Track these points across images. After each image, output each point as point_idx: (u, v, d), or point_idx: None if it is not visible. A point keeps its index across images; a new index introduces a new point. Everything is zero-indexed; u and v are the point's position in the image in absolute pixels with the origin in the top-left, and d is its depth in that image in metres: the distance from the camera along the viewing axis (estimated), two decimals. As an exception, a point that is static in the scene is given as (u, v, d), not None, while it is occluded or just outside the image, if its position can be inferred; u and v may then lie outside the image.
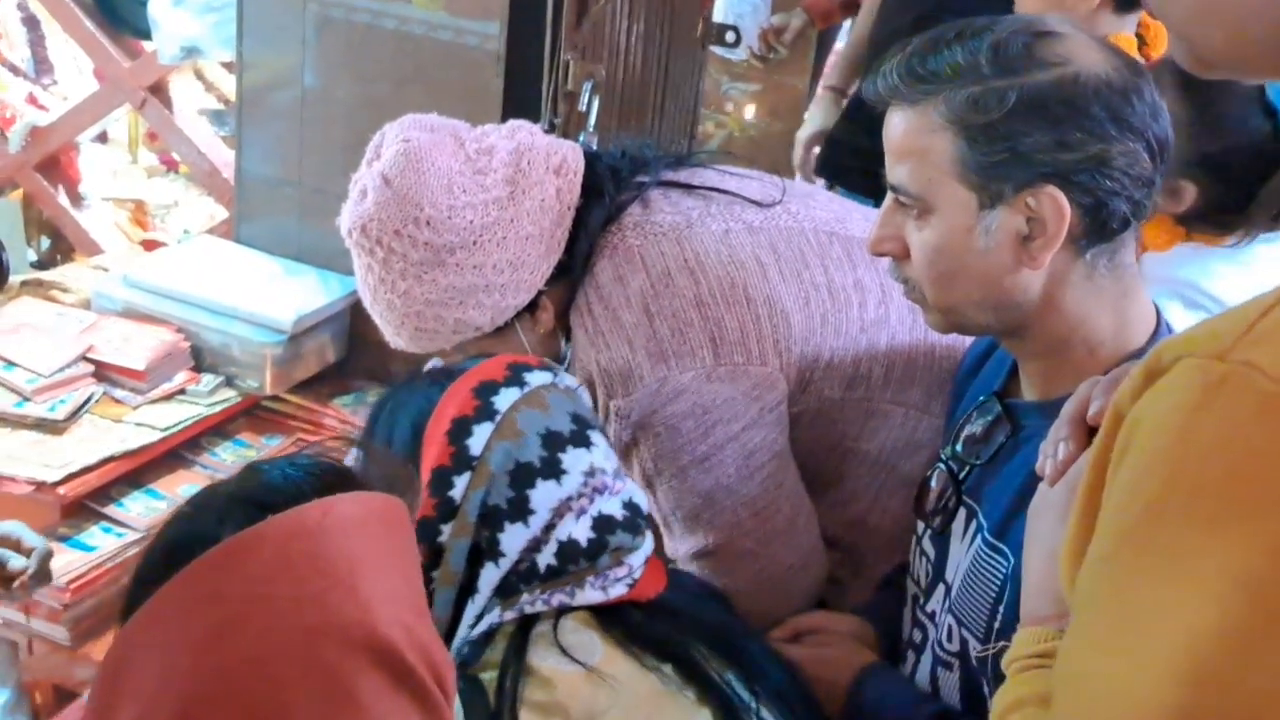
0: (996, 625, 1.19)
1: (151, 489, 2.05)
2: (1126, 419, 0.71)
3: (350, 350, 2.36)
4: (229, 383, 2.20)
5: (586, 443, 1.23)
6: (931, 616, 1.32)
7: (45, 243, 3.23)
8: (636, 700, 1.13)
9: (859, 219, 1.55)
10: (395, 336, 1.48)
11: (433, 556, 1.16)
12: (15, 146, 2.98)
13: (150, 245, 2.98)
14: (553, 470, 1.19)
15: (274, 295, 2.27)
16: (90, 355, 2.12)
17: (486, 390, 1.21)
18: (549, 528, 1.18)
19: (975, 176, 1.14)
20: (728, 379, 1.40)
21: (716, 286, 1.41)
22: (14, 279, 2.47)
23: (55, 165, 3.04)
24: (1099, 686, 0.67)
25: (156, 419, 2.06)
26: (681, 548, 1.48)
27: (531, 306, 1.46)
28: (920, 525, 1.37)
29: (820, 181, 2.78)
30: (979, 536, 1.23)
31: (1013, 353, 1.27)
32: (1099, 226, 1.14)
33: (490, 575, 1.17)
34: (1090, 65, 1.11)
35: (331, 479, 0.88)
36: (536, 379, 1.24)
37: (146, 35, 2.87)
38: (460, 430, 1.19)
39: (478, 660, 1.15)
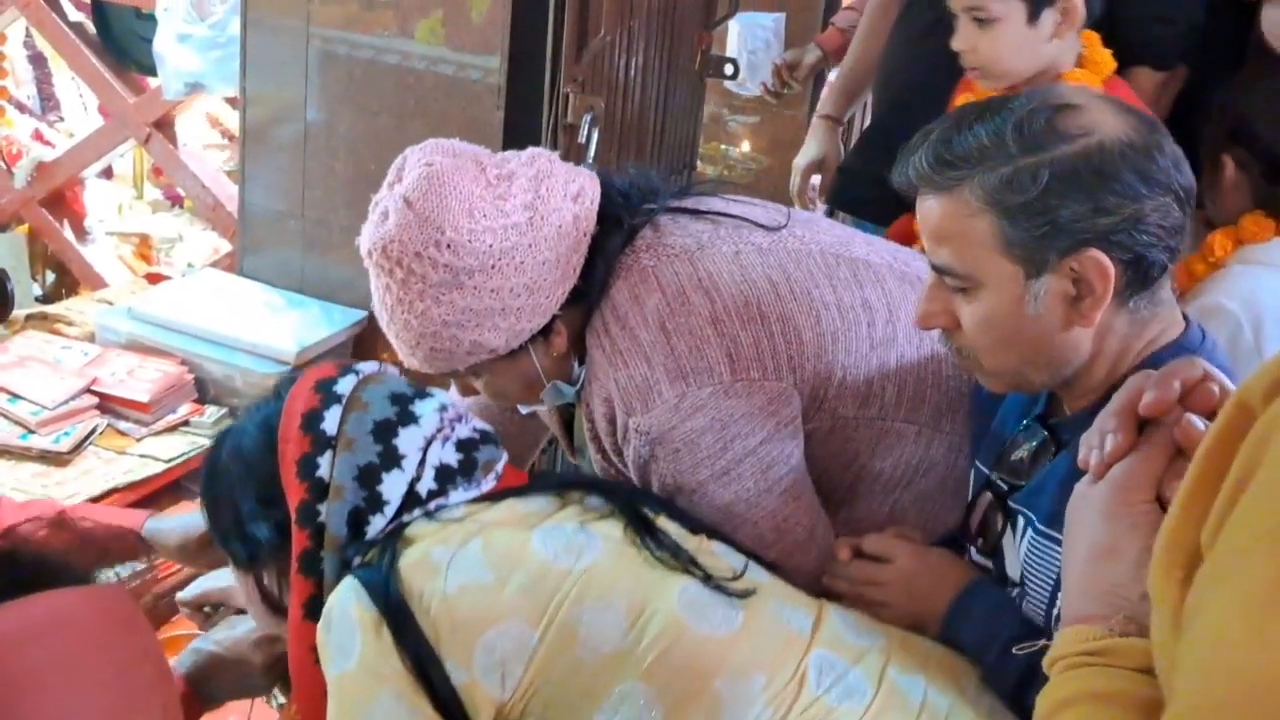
0: (1055, 612, 1.20)
1: (156, 521, 2.05)
2: (1265, 414, 0.69)
3: (353, 381, 2.37)
4: (232, 414, 2.20)
5: (429, 394, 1.38)
6: None
7: (50, 277, 3.25)
8: (511, 517, 1.27)
9: (861, 243, 1.58)
10: (410, 356, 1.49)
11: (316, 535, 1.29)
12: (21, 182, 3.01)
13: (155, 279, 2.99)
14: (410, 418, 1.32)
15: (277, 327, 2.28)
16: (94, 388, 2.12)
17: (326, 384, 1.34)
18: (421, 463, 1.30)
19: (1019, 250, 1.19)
20: (744, 394, 1.41)
21: (731, 304, 1.43)
22: (19, 312, 2.48)
23: (61, 200, 3.07)
24: (1240, 685, 0.65)
25: (160, 451, 2.06)
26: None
27: (546, 330, 1.48)
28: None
29: (821, 208, 2.79)
30: (1029, 529, 1.27)
31: (1060, 395, 1.31)
32: (1140, 276, 1.19)
33: (379, 525, 1.28)
34: (1111, 131, 1.17)
35: (11, 583, 0.76)
36: (367, 368, 1.38)
37: (151, 71, 2.91)
38: (312, 420, 1.31)
39: (365, 555, 1.26)
